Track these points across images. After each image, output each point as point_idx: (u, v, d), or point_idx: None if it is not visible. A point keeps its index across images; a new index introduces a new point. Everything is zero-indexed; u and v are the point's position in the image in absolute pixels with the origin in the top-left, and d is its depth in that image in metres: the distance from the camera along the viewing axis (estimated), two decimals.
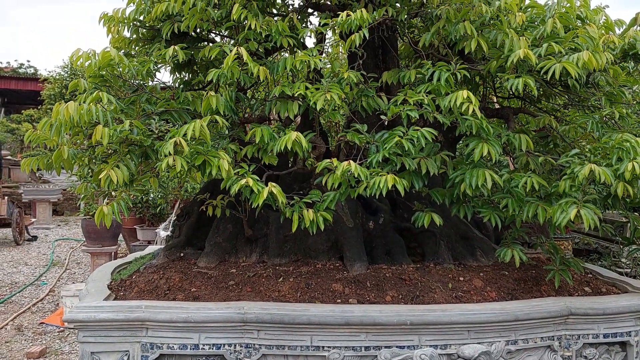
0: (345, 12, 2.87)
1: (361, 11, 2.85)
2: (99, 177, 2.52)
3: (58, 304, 7.12)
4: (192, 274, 3.16)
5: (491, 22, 3.12)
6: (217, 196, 3.39)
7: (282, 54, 3.63)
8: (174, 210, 7.78)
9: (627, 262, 6.46)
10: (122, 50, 3.71)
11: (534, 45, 3.05)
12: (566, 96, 3.74)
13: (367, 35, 2.90)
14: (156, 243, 7.47)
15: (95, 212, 6.63)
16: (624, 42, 3.33)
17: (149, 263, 3.56)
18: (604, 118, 3.35)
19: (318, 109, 2.73)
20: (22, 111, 19.57)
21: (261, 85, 3.74)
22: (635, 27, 3.79)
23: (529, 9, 3.49)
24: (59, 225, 14.28)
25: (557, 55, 2.91)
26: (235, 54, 2.69)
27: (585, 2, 3.40)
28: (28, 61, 28.16)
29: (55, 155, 2.74)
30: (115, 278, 3.35)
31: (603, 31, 3.34)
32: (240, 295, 2.93)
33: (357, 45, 2.90)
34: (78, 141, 3.00)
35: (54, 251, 10.59)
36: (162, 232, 6.96)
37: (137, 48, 3.67)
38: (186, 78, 3.59)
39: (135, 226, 8.80)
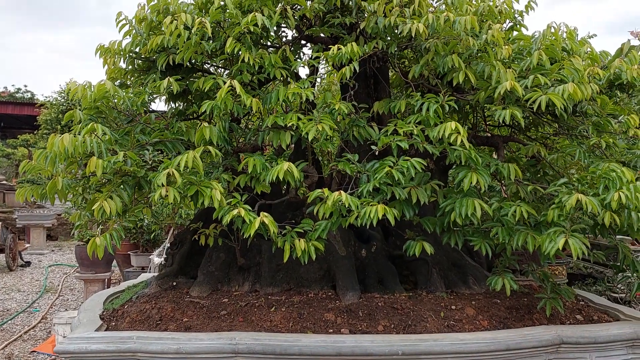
0: (336, 45, 2.95)
1: (352, 45, 2.93)
2: (93, 207, 2.54)
3: (50, 331, 7.04)
4: (184, 304, 3.15)
5: (479, 54, 3.20)
6: (210, 225, 3.41)
7: (276, 83, 3.70)
8: (168, 237, 7.76)
9: (622, 288, 6.46)
10: (118, 81, 3.77)
11: (521, 77, 3.12)
12: (555, 125, 3.81)
13: (357, 68, 2.97)
14: (149, 270, 7.43)
15: (89, 239, 6.62)
16: (609, 73, 3.41)
17: (141, 292, 3.55)
18: (592, 147, 3.41)
19: (310, 139, 2.77)
20: (18, 136, 19.65)
21: (254, 115, 3.79)
22: (622, 56, 3.89)
23: (516, 41, 3.59)
24: (52, 251, 14.19)
25: (543, 86, 2.98)
26: (229, 86, 2.74)
27: (570, 34, 3.49)
28: (25, 86, 28.30)
29: (50, 185, 2.77)
30: (107, 307, 3.34)
31: (589, 61, 3.43)
32: (232, 325, 2.92)
33: (348, 77, 2.96)
34: (72, 171, 3.03)
35: (47, 277, 10.51)
36: (156, 258, 6.93)
37: (132, 79, 3.73)
38: (181, 107, 3.64)
39: (129, 252, 8.76)
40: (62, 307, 8.49)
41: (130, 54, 3.58)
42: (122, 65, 3.62)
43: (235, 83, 2.74)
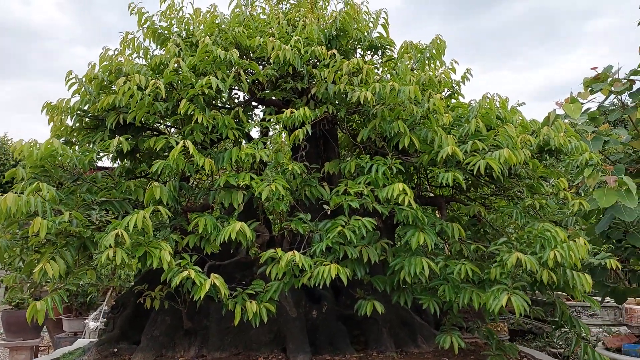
0: (289, 109, 3.05)
1: (304, 109, 3.04)
2: (34, 270, 2.42)
3: None
4: None
5: (422, 120, 3.40)
6: (155, 286, 3.29)
7: (226, 142, 3.74)
8: (106, 299, 7.34)
9: (560, 343, 6.69)
10: (63, 138, 3.69)
11: (461, 142, 3.33)
12: (492, 186, 4.05)
13: (310, 131, 3.08)
14: (84, 335, 6.95)
15: (18, 303, 6.16)
16: (539, 139, 3.70)
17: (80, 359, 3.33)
18: (527, 207, 3.63)
19: (263, 199, 2.80)
20: None
21: (203, 173, 3.79)
22: (549, 124, 4.24)
23: (455, 109, 3.85)
24: None
25: (481, 151, 3.19)
26: (182, 146, 2.75)
27: (503, 104, 3.79)
28: None
29: None
30: None
31: (521, 128, 3.72)
32: None
33: (301, 139, 3.05)
34: (11, 232, 2.88)
35: None
36: (92, 322, 6.51)
37: (78, 136, 3.66)
38: (128, 165, 3.58)
39: (61, 316, 8.19)
40: None
41: (78, 112, 3.54)
42: (69, 122, 3.56)
43: (189, 143, 2.76)
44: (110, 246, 2.40)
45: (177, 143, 2.83)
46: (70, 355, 3.70)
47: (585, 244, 2.89)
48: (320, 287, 3.40)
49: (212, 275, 2.61)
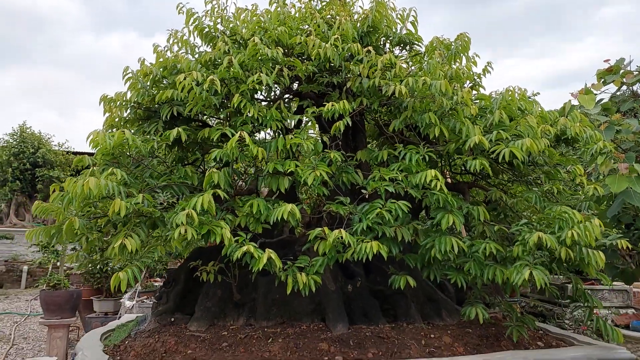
0: (330, 102, 3.36)
1: (344, 102, 3.35)
2: (114, 245, 2.76)
3: None
4: (186, 337, 3.34)
5: (449, 112, 3.70)
6: (203, 263, 3.64)
7: (267, 133, 4.06)
8: (140, 279, 7.74)
9: (570, 323, 7.02)
10: (114, 128, 4.02)
11: (485, 132, 3.63)
12: (510, 172, 4.35)
13: (349, 122, 3.38)
14: (119, 314, 7.36)
15: (55, 284, 6.60)
16: (557, 129, 3.99)
17: (137, 329, 3.69)
18: (545, 192, 3.94)
19: (309, 184, 3.12)
20: None
21: (247, 161, 4.11)
22: (565, 114, 4.53)
23: (478, 101, 4.14)
24: None
25: (504, 140, 3.49)
26: (239, 136, 3.08)
27: (522, 95, 4.08)
28: None
29: (67, 225, 2.96)
30: (107, 344, 3.46)
31: (540, 119, 4.01)
32: (235, 356, 3.14)
33: (341, 130, 3.37)
34: (84, 213, 3.22)
35: None
36: (128, 301, 6.92)
37: (132, 127, 3.99)
38: (179, 154, 3.91)
39: (91, 297, 8.59)
40: (18, 356, 8.18)
41: (133, 104, 3.86)
42: (125, 114, 3.89)
43: (245, 134, 3.09)
44: (182, 224, 2.74)
45: (232, 134, 3.16)
46: (124, 327, 4.07)
47: (600, 224, 3.20)
48: (356, 264, 3.76)
49: (266, 250, 2.94)
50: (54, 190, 3.18)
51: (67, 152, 19.54)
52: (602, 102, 5.26)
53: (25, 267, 15.82)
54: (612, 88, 5.35)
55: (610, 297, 7.14)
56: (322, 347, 3.28)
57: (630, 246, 3.92)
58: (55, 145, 19.65)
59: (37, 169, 18.26)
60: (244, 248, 2.88)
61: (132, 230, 2.89)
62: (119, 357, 3.17)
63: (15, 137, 18.67)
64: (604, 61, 5.33)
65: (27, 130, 19.13)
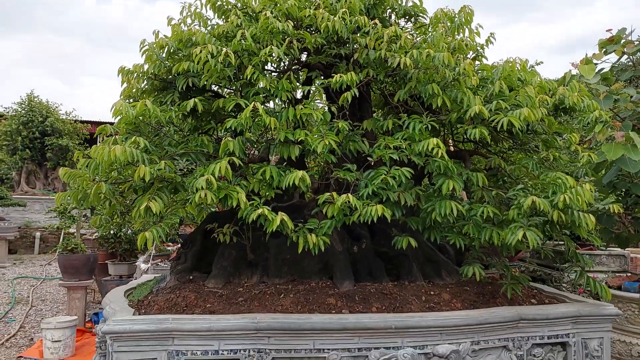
0: (338, 74, 3.54)
1: (351, 73, 3.53)
2: (140, 207, 3.00)
3: (32, 338, 7.23)
4: (205, 293, 3.63)
5: (452, 82, 3.87)
6: (218, 226, 3.90)
7: (276, 104, 4.25)
8: (154, 245, 8.08)
9: (567, 287, 7.33)
10: (131, 98, 4.22)
11: (486, 102, 3.81)
12: (510, 141, 4.54)
13: (357, 93, 3.57)
14: (134, 276, 7.73)
15: (72, 248, 6.95)
16: (555, 98, 4.16)
17: (158, 286, 3.98)
18: (542, 160, 4.14)
19: (319, 152, 3.34)
20: None
21: (258, 130, 4.32)
22: (565, 84, 4.68)
23: (480, 71, 4.30)
24: (14, 264, 14.00)
25: (503, 110, 3.67)
26: (252, 107, 3.27)
27: (523, 66, 4.24)
28: None
29: (95, 189, 3.21)
30: (131, 299, 3.76)
31: (539, 89, 4.17)
32: (250, 309, 3.42)
33: (349, 100, 3.56)
34: (108, 178, 3.47)
35: (15, 289, 10.55)
36: (143, 264, 7.25)
37: (148, 97, 4.18)
38: (194, 124, 4.12)
39: (106, 261, 8.97)
40: (37, 316, 8.61)
41: (150, 76, 4.05)
42: (142, 85, 4.08)
43: (258, 105, 3.29)
44: (202, 188, 2.98)
45: (246, 105, 3.36)
46: (144, 285, 4.36)
47: (590, 189, 3.41)
48: (362, 226, 4.00)
49: (279, 212, 3.18)
50: (77, 159, 3.42)
51: (75, 121, 19.76)
52: (603, 71, 5.40)
53: (38, 234, 16.28)
54: (613, 58, 5.49)
55: (607, 262, 7.41)
56: (330, 302, 3.56)
57: (622, 211, 4.15)
58: (63, 114, 19.86)
59: (46, 138, 18.53)
60: (259, 211, 3.12)
61: (155, 194, 3.12)
62: (143, 310, 3.46)
63: (23, 106, 18.88)
64: (606, 31, 5.45)
65: (35, 99, 19.32)
